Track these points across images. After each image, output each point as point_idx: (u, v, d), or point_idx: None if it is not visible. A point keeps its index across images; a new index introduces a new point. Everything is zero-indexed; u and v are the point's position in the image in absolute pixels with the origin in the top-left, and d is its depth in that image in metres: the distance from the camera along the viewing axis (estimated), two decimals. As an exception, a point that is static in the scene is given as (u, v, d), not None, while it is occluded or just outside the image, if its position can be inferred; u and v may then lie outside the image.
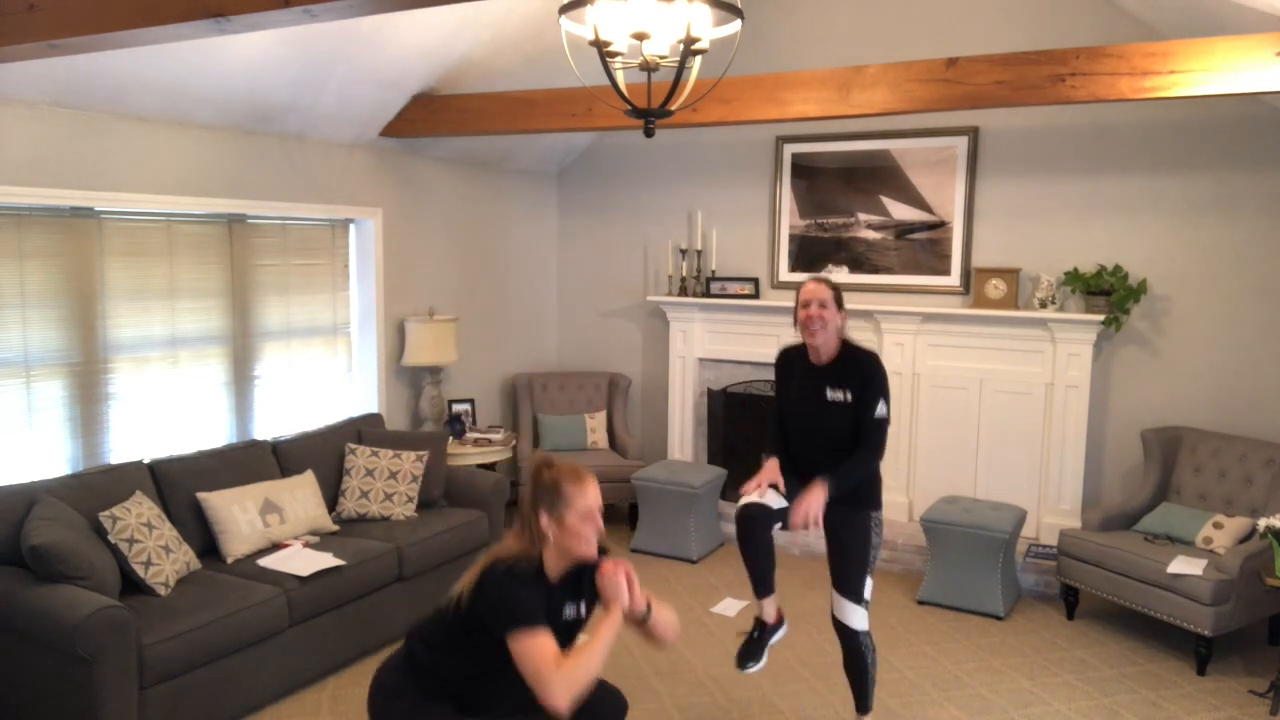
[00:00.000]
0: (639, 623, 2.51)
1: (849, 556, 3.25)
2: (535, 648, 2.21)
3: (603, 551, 2.49)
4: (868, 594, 3.26)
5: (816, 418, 3.26)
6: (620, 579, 2.41)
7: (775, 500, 3.24)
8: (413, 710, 2.43)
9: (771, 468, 3.28)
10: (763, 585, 3.27)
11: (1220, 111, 4.78)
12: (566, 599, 2.48)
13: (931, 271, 5.59)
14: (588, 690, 2.25)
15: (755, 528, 3.23)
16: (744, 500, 3.27)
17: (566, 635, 2.47)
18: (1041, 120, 5.19)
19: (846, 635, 3.29)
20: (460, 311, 5.95)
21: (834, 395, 3.22)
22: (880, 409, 3.17)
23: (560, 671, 2.19)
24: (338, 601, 3.89)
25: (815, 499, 3.07)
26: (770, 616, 3.31)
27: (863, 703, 3.41)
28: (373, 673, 2.56)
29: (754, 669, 3.29)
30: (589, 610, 2.55)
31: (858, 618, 3.25)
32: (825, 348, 3.23)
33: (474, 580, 2.36)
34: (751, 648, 3.30)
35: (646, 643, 2.64)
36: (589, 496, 2.39)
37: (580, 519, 2.37)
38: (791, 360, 3.40)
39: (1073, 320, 5.06)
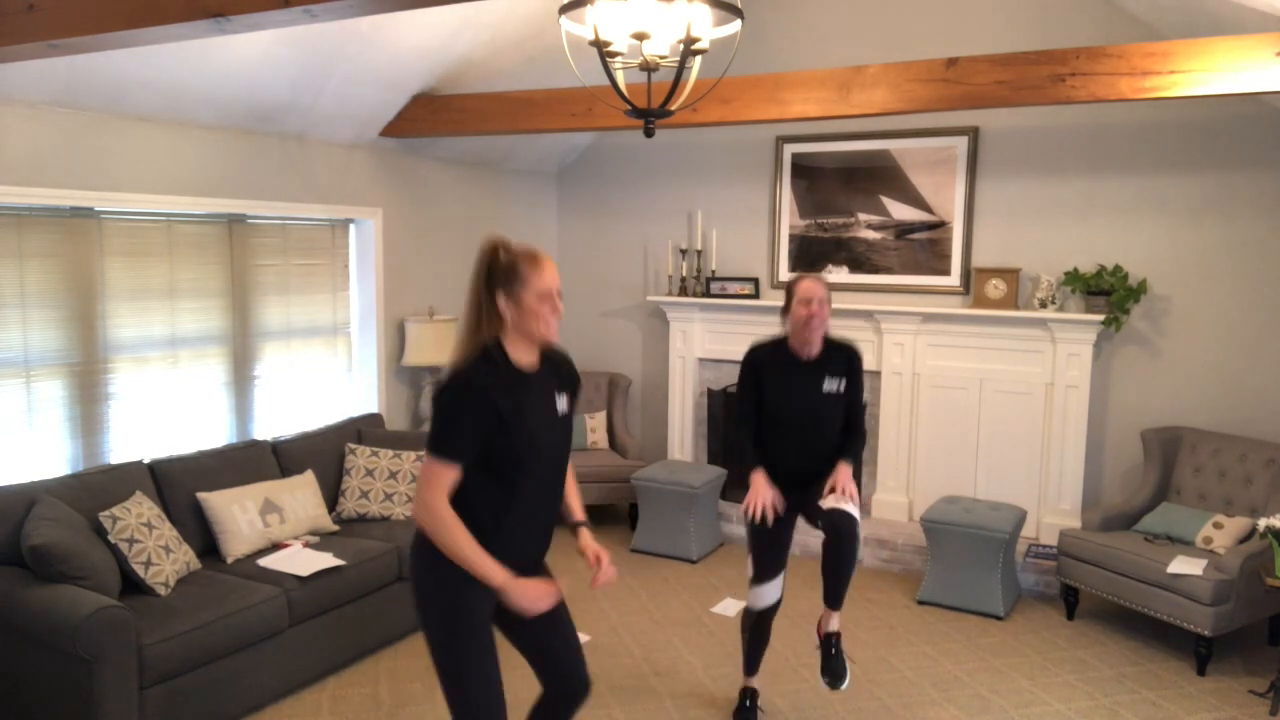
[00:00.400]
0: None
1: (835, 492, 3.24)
2: (436, 473, 2.24)
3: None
4: (856, 512, 3.21)
5: (815, 411, 3.31)
6: (614, 577, 2.47)
7: (778, 591, 3.47)
8: (435, 567, 2.34)
9: (763, 484, 3.31)
10: (754, 665, 3.62)
11: (1220, 111, 4.78)
12: (552, 388, 2.43)
13: (931, 271, 5.59)
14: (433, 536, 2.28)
15: (766, 624, 3.51)
16: (759, 606, 3.47)
17: (564, 430, 2.46)
18: (1041, 120, 5.19)
19: (838, 519, 3.14)
20: (460, 311, 5.94)
21: (829, 387, 3.32)
22: (865, 394, 3.43)
23: (437, 506, 2.24)
24: (338, 601, 3.89)
25: (848, 475, 3.20)
26: (757, 685, 3.67)
27: (835, 596, 3.28)
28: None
29: None
30: (572, 404, 2.50)
31: (853, 510, 3.17)
32: (817, 342, 3.30)
33: (435, 389, 2.31)
34: (746, 714, 3.64)
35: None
36: (546, 277, 2.32)
37: (538, 299, 2.30)
38: (768, 359, 3.41)
39: (1073, 320, 5.06)
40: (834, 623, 3.36)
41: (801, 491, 3.34)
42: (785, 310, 3.33)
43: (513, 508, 2.36)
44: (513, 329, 2.33)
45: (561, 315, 2.37)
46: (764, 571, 3.44)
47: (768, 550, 3.43)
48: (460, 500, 2.30)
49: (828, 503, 3.18)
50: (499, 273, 2.31)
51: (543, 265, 2.32)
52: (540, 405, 2.38)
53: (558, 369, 2.49)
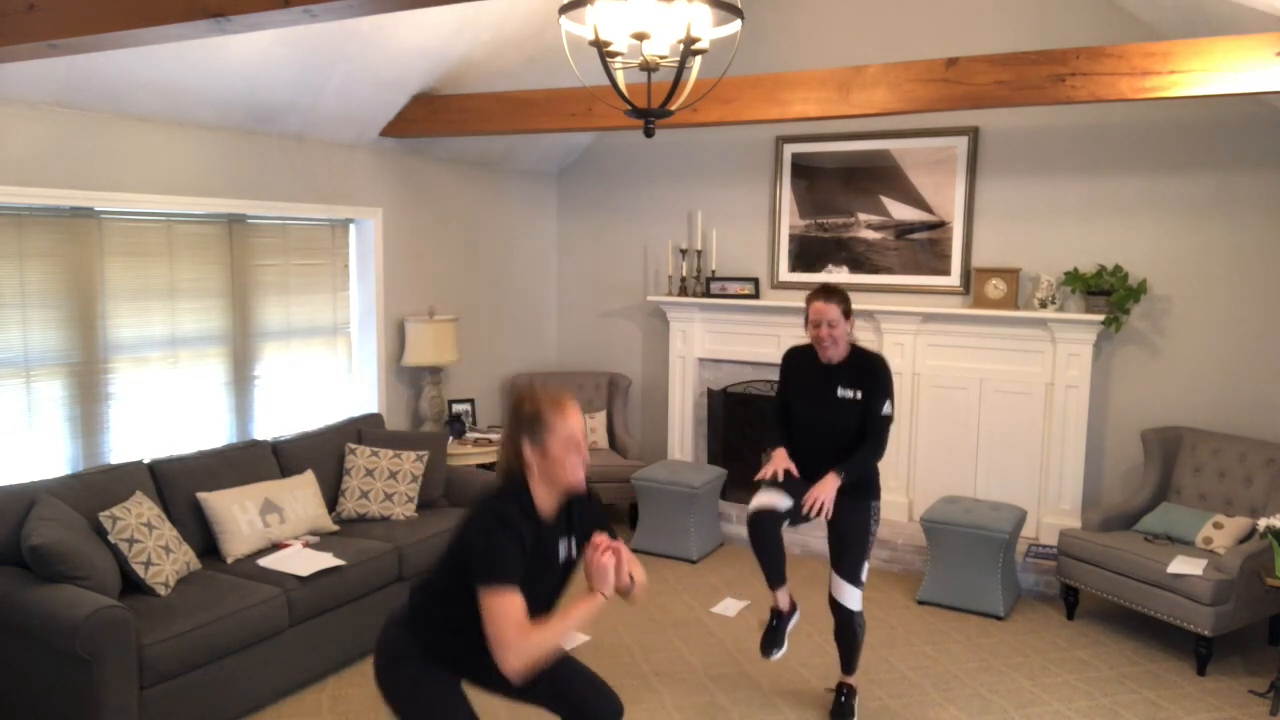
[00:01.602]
0: (621, 594, 2.47)
1: (850, 542, 3.50)
2: (504, 605, 2.17)
3: (611, 533, 2.43)
4: (864, 576, 3.54)
5: (828, 413, 3.49)
6: (609, 563, 2.33)
7: (783, 502, 3.47)
8: (417, 678, 2.39)
9: (782, 455, 3.50)
10: (776, 576, 3.53)
11: (1220, 111, 4.78)
12: (559, 536, 2.44)
13: (931, 271, 5.59)
14: (558, 675, 2.27)
15: (765, 526, 3.47)
16: (754, 506, 3.49)
17: (563, 576, 2.46)
18: (1041, 120, 5.19)
19: (843, 614, 3.55)
20: (460, 311, 5.95)
21: (844, 393, 3.47)
22: (886, 407, 3.44)
23: (522, 637, 2.16)
24: (338, 601, 3.89)
25: (829, 486, 3.34)
26: (784, 605, 3.60)
27: (849, 666, 3.67)
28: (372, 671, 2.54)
29: (777, 655, 3.62)
30: (579, 550, 2.49)
31: (854, 599, 3.52)
32: (837, 355, 3.47)
33: (463, 520, 2.32)
34: (772, 635, 3.62)
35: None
36: (571, 423, 2.33)
37: (564, 446, 2.31)
38: (800, 359, 3.64)
39: (1073, 320, 5.06)
40: (849, 679, 3.70)
41: (810, 484, 3.48)
42: (806, 322, 3.50)
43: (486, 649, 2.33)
44: (540, 476, 2.34)
45: (588, 463, 2.39)
46: (767, 486, 3.51)
47: (773, 483, 3.50)
48: (448, 619, 2.34)
49: (809, 510, 3.38)
50: (524, 422, 2.34)
51: (567, 411, 2.34)
52: (546, 558, 2.38)
53: (570, 517, 2.47)
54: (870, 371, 3.45)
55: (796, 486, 3.44)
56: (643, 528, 5.62)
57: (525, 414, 2.35)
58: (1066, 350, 5.15)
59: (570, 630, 2.27)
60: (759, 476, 3.51)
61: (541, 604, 2.38)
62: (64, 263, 3.92)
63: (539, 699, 2.55)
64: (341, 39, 4.14)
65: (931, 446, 5.60)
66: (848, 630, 3.57)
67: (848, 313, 3.43)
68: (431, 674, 2.41)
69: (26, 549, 3.23)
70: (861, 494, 3.46)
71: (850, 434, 3.45)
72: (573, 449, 2.33)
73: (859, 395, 3.43)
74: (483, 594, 2.19)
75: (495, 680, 2.38)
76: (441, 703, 2.43)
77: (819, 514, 3.35)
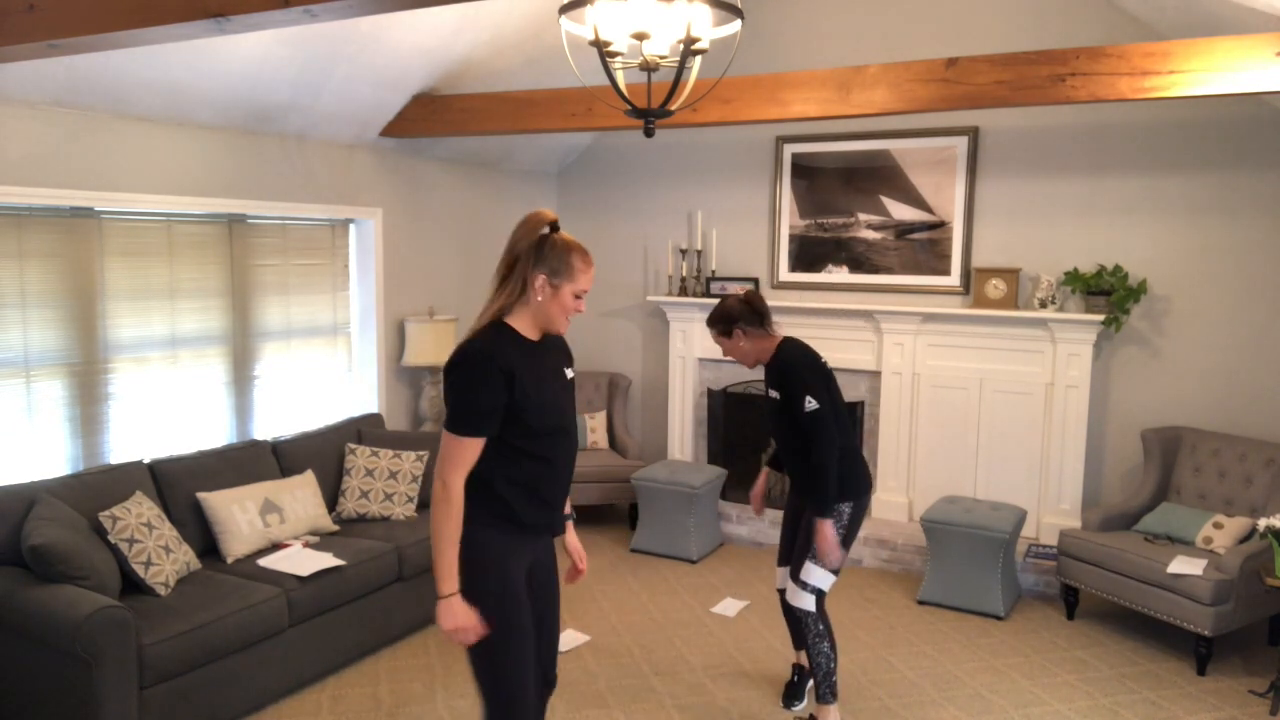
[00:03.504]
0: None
1: (802, 542, 3.42)
2: (458, 450, 2.25)
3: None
4: (814, 580, 3.39)
5: (771, 416, 3.46)
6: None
7: (779, 578, 3.66)
8: (498, 571, 2.37)
9: (761, 479, 3.86)
10: (797, 639, 3.71)
11: (1220, 111, 4.78)
12: (558, 359, 2.49)
13: (931, 271, 5.59)
14: (439, 502, 2.28)
15: (784, 605, 3.60)
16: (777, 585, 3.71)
17: (571, 396, 2.50)
18: (1041, 120, 5.19)
19: (791, 614, 3.52)
20: (460, 311, 5.95)
21: (772, 394, 3.39)
22: (808, 403, 3.22)
23: (453, 484, 2.25)
24: (338, 601, 3.89)
25: (825, 534, 3.28)
26: (806, 661, 3.63)
27: (817, 690, 3.48)
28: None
29: (798, 708, 3.73)
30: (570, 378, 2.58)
31: (802, 599, 3.41)
32: (751, 363, 3.44)
33: (445, 368, 2.31)
34: (793, 689, 3.79)
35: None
36: (587, 278, 2.37)
37: (572, 297, 2.36)
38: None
39: (1073, 320, 5.06)
40: (802, 659, 3.78)
41: (796, 496, 3.60)
42: None
43: (530, 477, 2.38)
44: (532, 310, 2.36)
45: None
46: (779, 560, 3.73)
47: (781, 538, 3.71)
48: (479, 475, 2.32)
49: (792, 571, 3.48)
50: (549, 255, 2.33)
51: (590, 266, 2.38)
52: (549, 372, 2.42)
53: (556, 344, 2.54)
54: (779, 370, 3.33)
55: (786, 536, 3.62)
56: (643, 528, 5.62)
57: (554, 249, 2.34)
58: (1066, 350, 5.15)
59: (438, 548, 2.28)
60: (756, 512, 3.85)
61: (562, 428, 2.42)
62: (64, 263, 3.92)
63: None
64: (341, 39, 4.14)
65: (931, 446, 5.60)
66: (801, 635, 3.52)
67: (727, 331, 3.36)
68: (487, 541, 2.37)
69: (26, 549, 3.23)
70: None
71: (795, 432, 3.30)
72: (575, 303, 2.37)
73: (780, 396, 3.32)
74: (446, 434, 2.26)
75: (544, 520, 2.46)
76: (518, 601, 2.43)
77: (841, 560, 3.37)
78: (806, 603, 3.39)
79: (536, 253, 2.33)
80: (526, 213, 2.45)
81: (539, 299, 2.34)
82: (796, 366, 3.29)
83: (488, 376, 2.25)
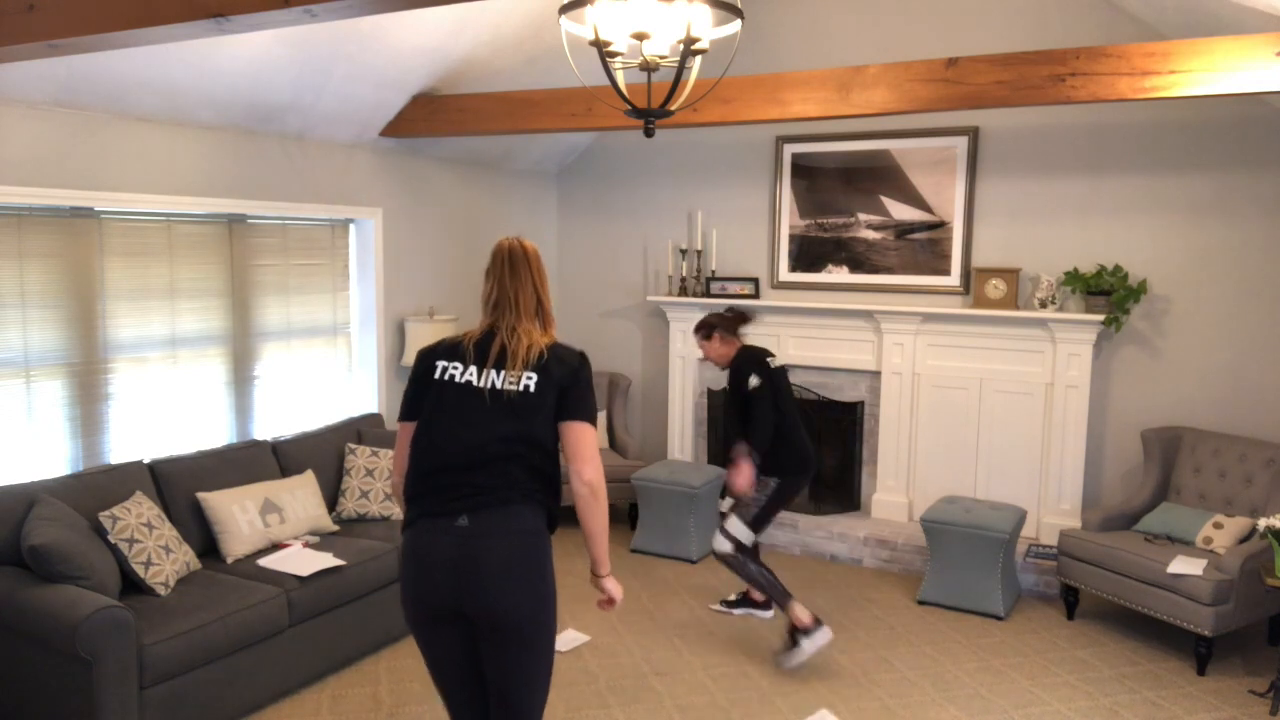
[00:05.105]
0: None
1: (734, 504, 4.21)
2: (595, 436, 2.57)
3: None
4: (734, 531, 4.13)
5: (725, 404, 4.34)
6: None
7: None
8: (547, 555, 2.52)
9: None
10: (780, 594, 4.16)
11: (1220, 111, 4.78)
12: None
13: (931, 271, 5.59)
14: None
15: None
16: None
17: None
18: (1041, 120, 5.19)
19: (722, 560, 4.17)
20: (460, 311, 5.95)
21: (726, 385, 4.29)
22: (751, 380, 4.09)
23: (599, 460, 2.55)
24: (338, 601, 3.89)
25: (741, 469, 4.06)
26: (804, 618, 4.01)
27: (776, 602, 4.09)
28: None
29: (793, 662, 4.04)
30: None
31: (720, 543, 4.15)
32: (725, 361, 4.27)
33: (575, 370, 2.52)
34: (784, 642, 4.15)
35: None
36: None
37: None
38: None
39: (1073, 320, 5.06)
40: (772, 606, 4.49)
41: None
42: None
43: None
44: (546, 325, 2.75)
45: None
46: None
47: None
48: (552, 479, 2.56)
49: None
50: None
51: None
52: None
53: None
54: (735, 363, 4.21)
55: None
56: (643, 528, 5.62)
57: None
58: (1066, 350, 5.15)
59: (605, 528, 2.63)
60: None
61: None
62: (64, 263, 3.92)
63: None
64: (341, 39, 4.14)
65: (931, 446, 5.60)
66: (728, 566, 4.16)
67: (708, 335, 4.27)
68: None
69: (26, 549, 3.23)
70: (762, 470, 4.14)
71: (744, 415, 4.15)
72: None
73: (731, 383, 4.22)
74: (587, 428, 2.52)
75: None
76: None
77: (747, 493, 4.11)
78: (724, 546, 4.12)
79: (543, 278, 2.86)
80: (520, 221, 2.65)
81: (548, 318, 2.86)
82: (747, 360, 4.19)
83: None
